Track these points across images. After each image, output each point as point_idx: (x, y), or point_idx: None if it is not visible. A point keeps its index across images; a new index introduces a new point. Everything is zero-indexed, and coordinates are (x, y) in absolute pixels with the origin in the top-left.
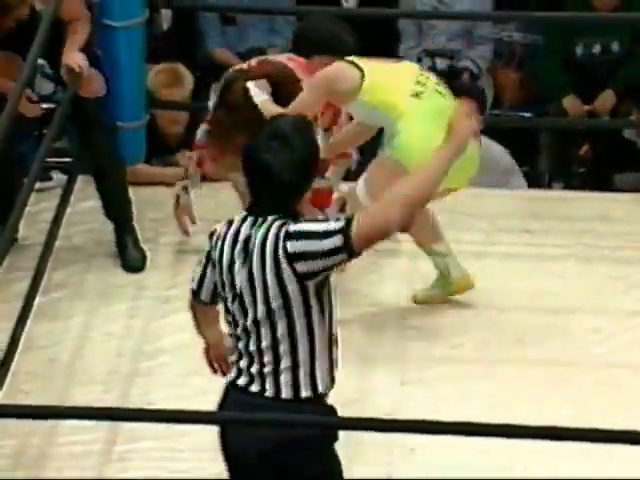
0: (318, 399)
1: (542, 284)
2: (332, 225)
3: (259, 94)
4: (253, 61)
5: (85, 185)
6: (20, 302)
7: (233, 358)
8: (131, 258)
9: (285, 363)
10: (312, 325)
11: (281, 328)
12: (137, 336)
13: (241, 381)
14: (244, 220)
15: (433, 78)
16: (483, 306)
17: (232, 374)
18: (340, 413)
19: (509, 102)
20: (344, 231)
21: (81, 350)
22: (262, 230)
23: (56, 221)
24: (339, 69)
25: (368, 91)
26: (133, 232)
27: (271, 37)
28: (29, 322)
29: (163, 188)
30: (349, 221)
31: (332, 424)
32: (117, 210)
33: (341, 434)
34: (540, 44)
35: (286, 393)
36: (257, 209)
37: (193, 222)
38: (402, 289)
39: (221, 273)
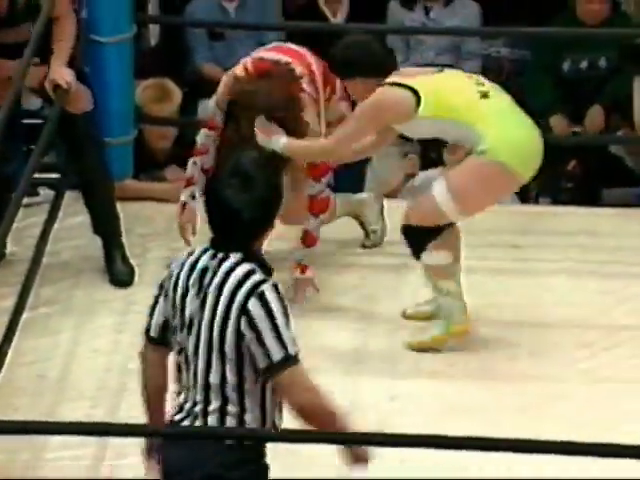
0: (245, 447)
1: (531, 299)
2: (290, 343)
3: (276, 140)
4: (248, 63)
5: (73, 201)
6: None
7: (175, 391)
8: (119, 273)
9: (214, 405)
10: (243, 380)
11: (215, 371)
12: (125, 351)
13: (178, 417)
14: (204, 251)
15: (482, 77)
16: (473, 321)
17: (173, 409)
18: None
19: None
20: (290, 359)
21: (70, 365)
22: (224, 268)
23: (43, 237)
24: (386, 95)
25: (430, 106)
26: (121, 247)
27: None
28: (18, 338)
29: (151, 203)
30: (296, 359)
31: (323, 437)
32: (105, 225)
33: (331, 447)
34: (528, 59)
35: None
36: (217, 244)
37: (194, 232)
38: (391, 304)
39: (174, 300)
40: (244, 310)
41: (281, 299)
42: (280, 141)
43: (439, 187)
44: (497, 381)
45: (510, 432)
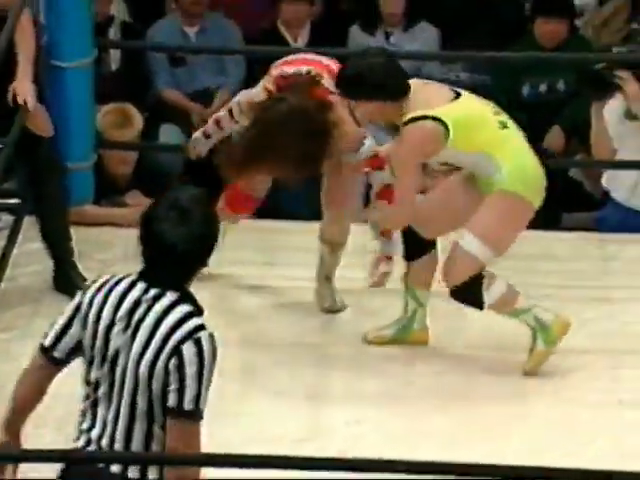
0: None
1: (491, 322)
2: (203, 401)
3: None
4: (270, 84)
5: (32, 226)
6: None
7: (84, 426)
8: None
9: (136, 442)
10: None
11: (141, 406)
12: None
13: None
14: (134, 284)
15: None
16: (434, 345)
17: (80, 442)
18: (291, 452)
19: None
20: (196, 414)
21: None
22: (160, 306)
23: (2, 262)
24: (420, 133)
25: (457, 139)
26: (77, 268)
27: (220, 78)
28: None
29: (110, 228)
30: (200, 417)
31: (285, 463)
32: (61, 249)
33: (292, 472)
34: (488, 84)
35: (133, 473)
36: (149, 278)
37: None
38: (351, 327)
39: (95, 332)
40: (177, 351)
41: (214, 351)
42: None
43: (467, 239)
44: (460, 403)
45: (473, 455)
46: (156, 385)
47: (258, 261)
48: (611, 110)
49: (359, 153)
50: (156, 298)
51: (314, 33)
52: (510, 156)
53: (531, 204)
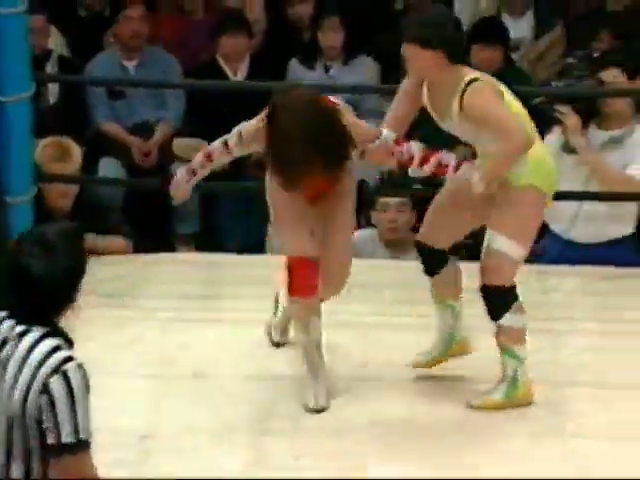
0: None
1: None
2: (83, 429)
3: (474, 177)
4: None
5: None
6: None
7: None
8: None
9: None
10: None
11: (17, 444)
12: None
13: None
14: (2, 321)
15: None
16: (382, 379)
17: None
18: None
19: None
20: (79, 445)
21: None
22: (26, 342)
23: None
24: (485, 86)
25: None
26: None
27: (160, 111)
28: None
29: None
30: (86, 446)
31: None
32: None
33: None
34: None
35: None
36: (17, 314)
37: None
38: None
39: None
40: (45, 388)
41: (85, 380)
42: (475, 175)
43: (500, 240)
44: (404, 437)
45: None
46: (30, 422)
47: (203, 294)
48: (548, 144)
49: (383, 139)
50: (22, 334)
51: (253, 66)
52: (537, 151)
53: (546, 195)
